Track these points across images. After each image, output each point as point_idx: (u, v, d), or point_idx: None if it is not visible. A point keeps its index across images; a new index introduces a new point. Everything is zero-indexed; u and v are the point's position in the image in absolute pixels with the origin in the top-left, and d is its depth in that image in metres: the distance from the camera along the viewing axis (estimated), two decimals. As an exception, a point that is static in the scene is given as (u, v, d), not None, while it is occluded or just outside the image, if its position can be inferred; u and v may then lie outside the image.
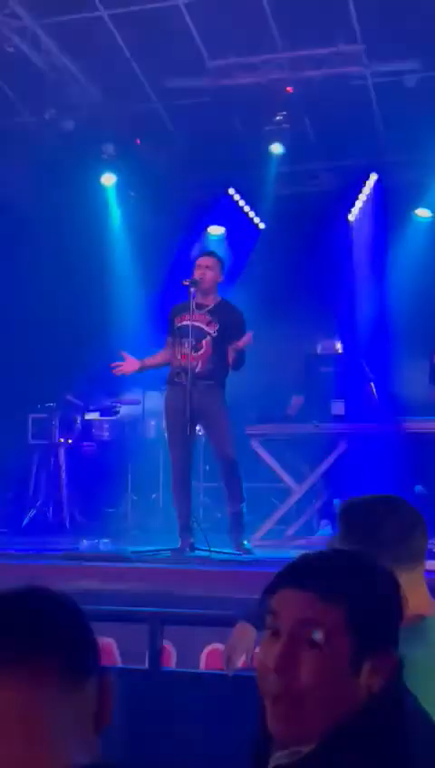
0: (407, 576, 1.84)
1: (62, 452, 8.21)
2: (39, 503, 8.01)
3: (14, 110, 8.88)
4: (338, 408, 6.93)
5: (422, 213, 9.41)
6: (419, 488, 1.99)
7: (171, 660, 4.23)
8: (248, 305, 6.62)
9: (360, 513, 2.07)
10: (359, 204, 9.60)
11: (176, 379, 6.11)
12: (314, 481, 6.94)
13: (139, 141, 9.21)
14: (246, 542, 6.08)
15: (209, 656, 4.20)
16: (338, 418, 6.87)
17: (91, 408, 8.57)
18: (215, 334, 6.07)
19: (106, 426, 8.54)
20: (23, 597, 1.18)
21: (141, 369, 6.38)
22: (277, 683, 1.42)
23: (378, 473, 6.31)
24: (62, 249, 9.10)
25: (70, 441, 8.29)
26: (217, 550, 5.85)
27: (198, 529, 6.01)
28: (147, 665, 3.84)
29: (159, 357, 6.38)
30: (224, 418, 6.14)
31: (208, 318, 6.12)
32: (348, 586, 1.45)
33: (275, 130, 8.66)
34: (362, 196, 9.56)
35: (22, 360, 8.92)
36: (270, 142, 8.79)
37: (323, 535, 6.49)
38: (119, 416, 8.62)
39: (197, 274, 6.16)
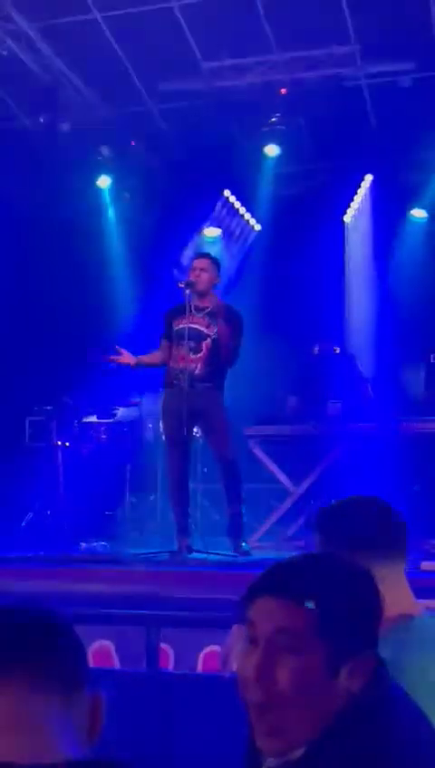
0: (387, 577, 1.83)
1: (59, 454, 8.20)
2: (37, 506, 8.00)
3: (9, 114, 8.88)
4: (335, 409, 6.94)
5: (418, 213, 9.42)
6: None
7: (169, 662, 4.23)
8: (244, 307, 6.63)
9: (333, 517, 2.05)
10: (355, 205, 9.60)
11: (175, 382, 6.10)
12: (312, 482, 6.94)
13: (134, 143, 9.22)
14: (244, 544, 6.08)
15: (207, 658, 4.19)
16: (335, 419, 6.87)
17: (89, 410, 8.56)
18: (214, 336, 6.07)
19: (104, 428, 8.53)
20: (22, 612, 1.26)
21: (136, 366, 6.37)
22: (258, 692, 1.43)
23: (375, 473, 6.31)
24: (59, 251, 9.09)
25: (67, 444, 8.28)
26: (215, 552, 5.85)
27: (196, 531, 6.00)
28: (145, 667, 3.84)
29: (155, 357, 6.38)
30: (223, 420, 6.14)
31: (207, 320, 6.11)
32: (321, 591, 1.46)
33: (269, 132, 8.68)
34: (358, 198, 9.57)
35: (19, 362, 8.91)
36: (265, 144, 8.80)
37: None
38: (116, 418, 8.61)
39: (192, 277, 6.16)
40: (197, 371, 6.01)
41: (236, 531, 6.10)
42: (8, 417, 8.46)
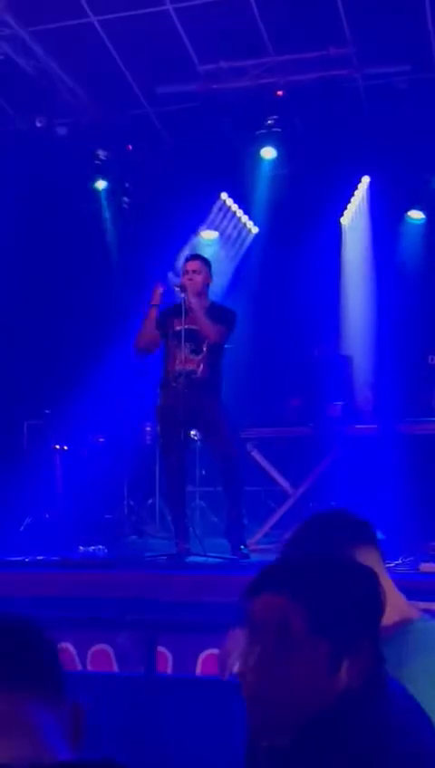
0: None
1: (58, 458, 8.19)
2: (35, 510, 7.99)
3: (6, 118, 8.88)
4: (335, 410, 6.93)
5: (415, 215, 9.41)
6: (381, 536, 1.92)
7: (168, 666, 4.21)
8: (243, 309, 6.62)
9: (299, 538, 2.01)
10: (352, 207, 9.60)
11: (173, 384, 6.09)
12: (311, 484, 6.92)
13: (130, 147, 9.22)
14: (242, 547, 6.07)
15: (206, 661, 4.18)
16: (335, 421, 6.86)
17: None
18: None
19: (101, 432, 8.52)
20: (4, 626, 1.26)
21: (151, 315, 6.27)
22: (256, 686, 1.44)
23: (375, 475, 6.30)
24: (56, 255, 9.09)
25: (66, 447, 8.27)
26: (214, 555, 5.84)
27: (194, 534, 5.99)
28: (143, 671, 3.83)
29: (150, 324, 6.28)
30: (224, 421, 6.14)
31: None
32: (321, 587, 1.46)
33: (266, 134, 8.67)
34: (355, 199, 9.57)
35: (17, 366, 8.90)
36: (262, 146, 8.79)
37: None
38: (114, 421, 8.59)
39: (185, 279, 6.17)
40: (199, 372, 6.02)
41: (235, 533, 6.09)
42: (6, 421, 8.45)
